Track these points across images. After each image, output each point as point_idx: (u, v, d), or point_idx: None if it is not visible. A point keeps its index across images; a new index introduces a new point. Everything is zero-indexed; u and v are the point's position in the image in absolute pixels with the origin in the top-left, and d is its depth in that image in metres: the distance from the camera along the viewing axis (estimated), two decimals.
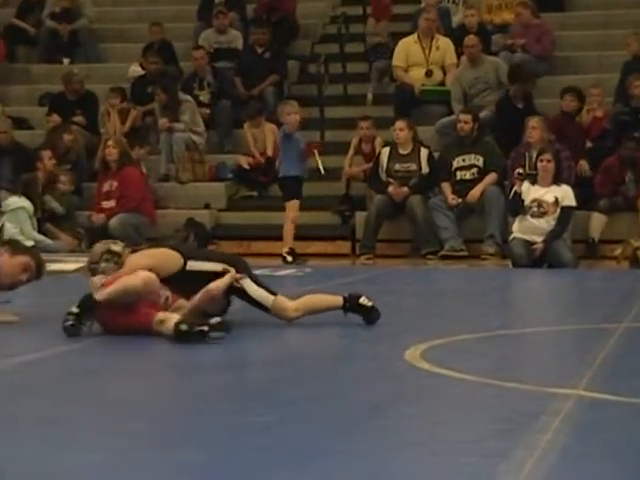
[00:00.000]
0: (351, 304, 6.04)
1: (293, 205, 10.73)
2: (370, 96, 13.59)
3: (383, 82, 13.72)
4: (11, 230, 11.58)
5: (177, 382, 4.80)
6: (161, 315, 5.50)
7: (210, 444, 3.48)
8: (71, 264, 8.92)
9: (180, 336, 5.33)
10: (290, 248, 10.71)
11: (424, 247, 11.36)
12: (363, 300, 6.06)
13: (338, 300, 6.07)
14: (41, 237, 11.49)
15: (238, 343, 5.59)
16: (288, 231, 10.75)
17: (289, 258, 10.62)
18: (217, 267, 5.87)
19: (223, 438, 3.56)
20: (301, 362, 5.23)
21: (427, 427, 3.79)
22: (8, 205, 11.69)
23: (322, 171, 11.47)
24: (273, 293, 6.01)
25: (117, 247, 5.94)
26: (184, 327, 5.34)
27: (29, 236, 11.41)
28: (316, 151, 11.26)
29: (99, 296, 5.51)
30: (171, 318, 5.45)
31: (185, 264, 5.84)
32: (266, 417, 3.84)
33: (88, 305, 5.50)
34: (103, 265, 5.84)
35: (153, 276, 5.60)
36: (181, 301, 5.77)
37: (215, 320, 5.44)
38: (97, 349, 5.44)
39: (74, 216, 12.18)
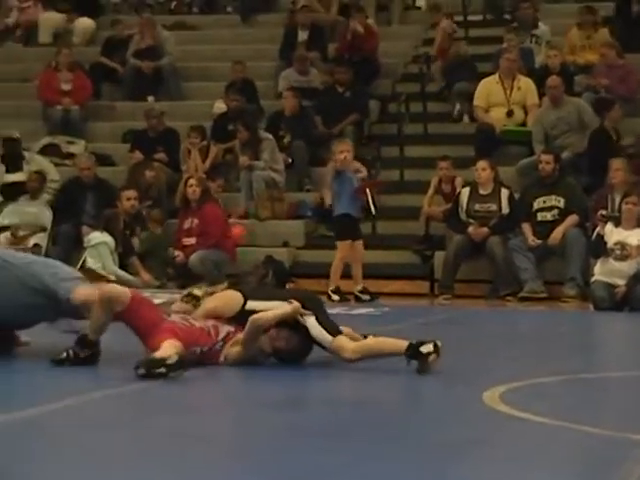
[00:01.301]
0: (413, 352, 5.80)
1: (342, 246, 10.83)
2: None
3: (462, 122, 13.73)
4: (93, 265, 11.73)
5: (251, 418, 4.78)
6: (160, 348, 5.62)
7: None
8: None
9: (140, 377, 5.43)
10: (336, 287, 10.80)
11: (503, 288, 11.25)
12: (423, 348, 5.79)
13: (401, 346, 5.85)
14: (122, 272, 11.60)
15: (313, 381, 5.57)
16: (335, 270, 10.84)
17: (335, 297, 10.66)
18: (275, 305, 5.96)
19: (303, 477, 3.53)
20: (378, 402, 5.18)
21: (505, 471, 3.71)
22: (90, 240, 11.84)
23: (373, 211, 11.41)
24: (337, 333, 5.99)
25: (199, 292, 6.44)
26: (141, 371, 5.43)
27: (110, 271, 11.54)
28: (369, 190, 11.24)
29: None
30: (149, 356, 5.58)
31: (245, 304, 6.08)
32: (341, 457, 3.80)
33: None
34: (179, 304, 6.31)
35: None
36: (240, 335, 5.96)
37: (172, 360, 5.44)
38: (170, 386, 5.46)
39: (159, 253, 12.30)
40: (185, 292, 6.61)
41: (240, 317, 6.04)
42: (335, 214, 10.96)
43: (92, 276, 10.17)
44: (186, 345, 5.72)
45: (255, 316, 5.88)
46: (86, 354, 5.77)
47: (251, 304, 6.07)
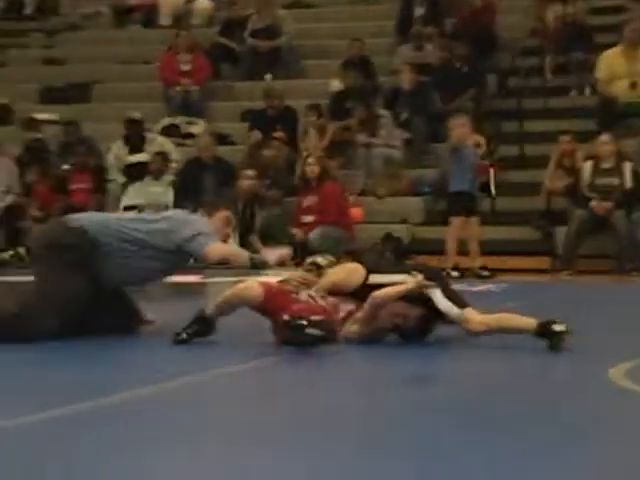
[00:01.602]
0: (544, 330, 5.71)
1: (455, 222, 10.73)
2: None
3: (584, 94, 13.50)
4: None
5: (383, 396, 4.78)
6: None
7: (425, 457, 3.46)
8: (273, 277, 9.05)
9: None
10: (455, 263, 10.78)
11: (627, 263, 11.05)
12: (556, 326, 5.70)
13: (531, 323, 5.78)
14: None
15: (434, 359, 5.56)
16: (449, 246, 10.81)
17: (454, 273, 10.61)
18: (399, 278, 5.87)
19: (441, 453, 3.54)
20: (503, 380, 5.14)
21: (631, 449, 3.65)
22: None
23: (493, 192, 11.29)
24: (465, 305, 5.92)
25: (323, 261, 6.47)
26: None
27: None
28: (492, 170, 11.12)
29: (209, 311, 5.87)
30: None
31: (367, 278, 5.97)
32: (469, 435, 3.80)
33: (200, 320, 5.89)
34: (302, 273, 6.32)
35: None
36: (359, 314, 5.90)
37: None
38: (294, 363, 5.50)
39: (278, 232, 12.40)
40: (309, 260, 6.62)
41: (361, 291, 5.96)
42: (450, 190, 10.91)
43: None
44: (329, 314, 5.74)
45: (376, 293, 5.81)
46: (201, 327, 5.84)
47: (374, 278, 5.97)
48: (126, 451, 3.59)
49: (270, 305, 5.74)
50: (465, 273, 10.76)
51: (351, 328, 5.91)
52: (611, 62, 12.80)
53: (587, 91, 13.50)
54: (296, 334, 5.40)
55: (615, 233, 11.13)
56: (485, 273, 10.77)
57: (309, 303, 5.82)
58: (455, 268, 10.79)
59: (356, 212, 12.38)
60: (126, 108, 14.26)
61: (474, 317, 5.85)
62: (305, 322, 5.38)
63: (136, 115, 13.73)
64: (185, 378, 4.92)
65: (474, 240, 10.88)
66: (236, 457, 3.52)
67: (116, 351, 5.92)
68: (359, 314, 5.91)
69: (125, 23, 17.44)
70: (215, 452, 3.59)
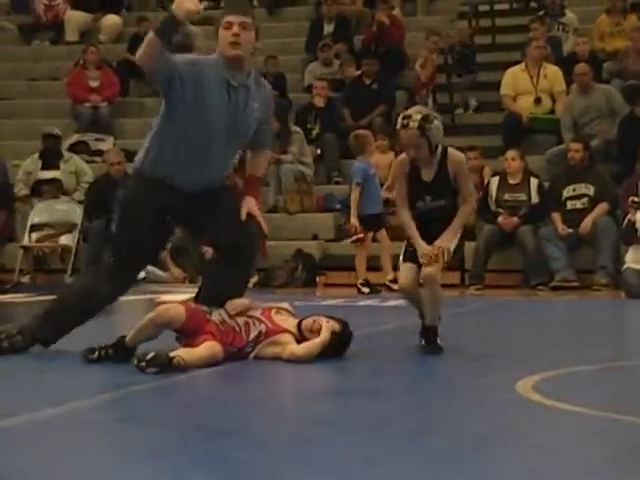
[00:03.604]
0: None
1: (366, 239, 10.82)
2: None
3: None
4: None
5: (284, 411, 4.78)
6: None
7: (314, 474, 3.45)
8: (180, 295, 9.02)
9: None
10: (365, 279, 10.89)
11: (534, 278, 11.21)
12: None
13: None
14: (152, 268, 11.65)
15: (340, 373, 5.57)
16: (360, 262, 10.91)
17: (364, 289, 10.79)
18: None
19: (328, 469, 3.53)
20: (408, 394, 5.17)
21: (538, 461, 3.70)
22: None
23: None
24: None
25: None
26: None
27: None
28: None
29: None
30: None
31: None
32: (373, 449, 3.80)
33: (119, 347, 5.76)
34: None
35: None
36: (275, 337, 5.84)
37: (150, 355, 5.36)
38: (209, 380, 5.47)
39: (189, 249, 12.32)
40: None
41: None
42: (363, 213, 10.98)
43: None
44: (224, 346, 5.70)
45: (298, 352, 5.76)
46: (119, 358, 5.67)
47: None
48: None
49: (191, 323, 5.69)
50: (377, 288, 10.80)
51: (267, 350, 5.82)
52: (514, 78, 13.01)
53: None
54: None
55: (522, 248, 11.29)
56: (396, 286, 10.79)
57: (217, 325, 5.78)
58: (365, 283, 10.84)
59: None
60: (33, 125, 14.09)
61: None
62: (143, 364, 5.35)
63: (55, 130, 13.56)
64: (98, 397, 4.86)
65: (386, 253, 10.92)
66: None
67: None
68: (282, 337, 5.81)
69: (31, 39, 17.23)
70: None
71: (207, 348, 5.59)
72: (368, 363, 5.92)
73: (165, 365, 5.34)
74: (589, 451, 3.88)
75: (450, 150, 6.20)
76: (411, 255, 6.16)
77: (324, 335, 5.82)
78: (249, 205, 6.06)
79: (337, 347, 5.89)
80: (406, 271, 6.17)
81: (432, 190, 6.13)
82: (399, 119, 6.09)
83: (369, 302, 9.91)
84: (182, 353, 5.49)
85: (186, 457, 3.73)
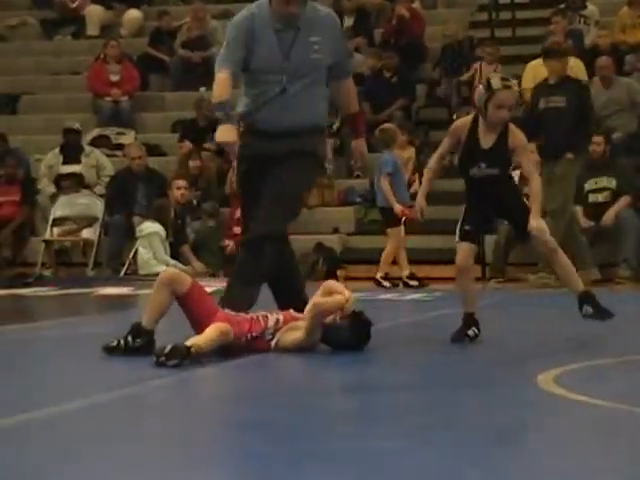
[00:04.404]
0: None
1: (394, 233, 10.75)
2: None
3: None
4: (144, 255, 11.82)
5: (305, 404, 4.79)
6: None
7: (335, 468, 3.45)
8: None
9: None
10: (385, 273, 10.85)
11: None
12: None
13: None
14: (174, 262, 11.68)
15: (368, 366, 5.58)
16: (388, 257, 10.83)
17: (385, 283, 10.76)
18: None
19: (349, 463, 3.53)
20: (429, 386, 5.17)
21: (559, 454, 3.69)
22: (141, 230, 11.94)
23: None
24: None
25: None
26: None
27: (162, 261, 11.63)
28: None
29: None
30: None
31: None
32: (394, 443, 3.80)
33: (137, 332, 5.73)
34: None
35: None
36: (294, 323, 5.87)
37: (168, 348, 5.33)
38: (230, 373, 5.48)
39: (211, 243, 12.36)
40: None
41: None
42: (381, 205, 10.96)
43: None
44: (236, 334, 5.71)
45: (320, 301, 5.82)
46: (139, 344, 5.64)
47: None
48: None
49: (197, 292, 5.73)
50: (396, 282, 10.81)
51: (287, 336, 5.86)
52: (535, 72, 12.94)
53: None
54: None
55: None
56: (414, 282, 10.83)
57: (229, 316, 5.80)
58: (385, 277, 10.83)
59: None
60: (55, 119, 14.14)
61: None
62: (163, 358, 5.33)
63: (75, 125, 13.62)
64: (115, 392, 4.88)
65: (402, 249, 10.91)
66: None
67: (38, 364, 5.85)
68: (300, 323, 5.87)
69: (52, 34, 17.29)
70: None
71: (214, 328, 5.60)
72: (389, 356, 5.92)
73: (184, 355, 5.35)
74: (609, 444, 3.87)
75: (511, 124, 6.29)
76: (467, 234, 6.19)
77: (343, 294, 5.81)
78: (360, 150, 6.72)
79: (357, 330, 5.86)
80: (464, 249, 6.22)
81: (488, 157, 6.23)
82: (495, 80, 6.19)
83: (389, 296, 9.91)
84: (197, 340, 5.51)
85: (210, 450, 3.74)
